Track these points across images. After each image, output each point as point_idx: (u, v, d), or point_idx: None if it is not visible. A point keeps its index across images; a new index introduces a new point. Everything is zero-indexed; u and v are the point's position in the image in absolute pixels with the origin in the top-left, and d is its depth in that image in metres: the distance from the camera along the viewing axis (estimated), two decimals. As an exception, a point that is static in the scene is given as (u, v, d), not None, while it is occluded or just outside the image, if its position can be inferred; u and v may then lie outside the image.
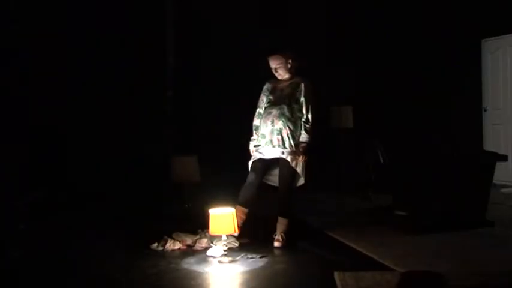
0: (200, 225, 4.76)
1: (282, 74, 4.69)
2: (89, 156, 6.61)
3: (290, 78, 4.71)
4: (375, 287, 3.41)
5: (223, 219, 4.13)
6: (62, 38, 6.68)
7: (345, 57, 7.47)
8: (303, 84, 4.64)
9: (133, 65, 6.85)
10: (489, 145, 7.31)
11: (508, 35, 7.14)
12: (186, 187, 6.12)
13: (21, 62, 6.46)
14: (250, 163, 4.69)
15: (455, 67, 7.36)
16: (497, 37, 7.30)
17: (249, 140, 4.77)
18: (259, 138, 4.66)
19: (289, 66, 4.66)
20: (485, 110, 7.53)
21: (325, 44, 7.53)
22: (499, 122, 7.35)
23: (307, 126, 4.58)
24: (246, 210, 4.59)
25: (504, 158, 5.17)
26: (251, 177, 4.65)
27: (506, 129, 7.25)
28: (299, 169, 4.55)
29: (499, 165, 5.27)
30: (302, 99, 4.60)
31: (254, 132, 4.76)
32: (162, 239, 4.55)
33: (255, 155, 4.66)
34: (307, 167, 4.59)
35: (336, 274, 3.63)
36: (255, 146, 4.69)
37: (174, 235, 4.64)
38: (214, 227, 4.14)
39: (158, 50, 7.24)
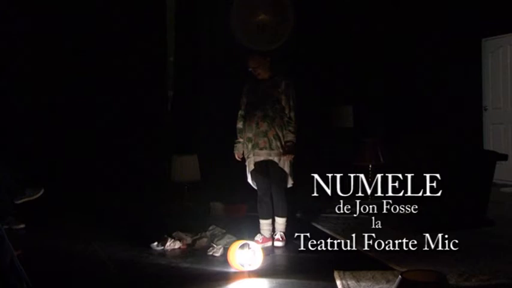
0: (200, 224, 4.74)
1: (261, 74, 4.57)
2: (88, 156, 6.60)
3: (270, 77, 4.59)
4: (375, 287, 3.42)
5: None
6: (62, 37, 6.67)
7: (345, 57, 7.45)
8: (283, 83, 4.53)
9: (134, 65, 6.84)
10: (489, 144, 7.31)
11: (508, 34, 7.13)
12: (186, 187, 6.12)
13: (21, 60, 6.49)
14: (249, 179, 4.63)
15: (455, 67, 7.35)
16: (497, 36, 7.30)
17: (234, 143, 4.68)
18: (246, 141, 4.58)
19: (268, 64, 4.55)
20: (485, 109, 7.53)
21: (325, 44, 7.52)
22: (499, 121, 7.35)
23: (291, 124, 4.50)
24: (270, 221, 4.63)
25: (504, 157, 5.17)
26: (260, 192, 4.62)
27: (506, 128, 7.24)
28: (287, 169, 4.51)
29: (500, 165, 5.27)
30: (284, 97, 4.50)
31: (238, 135, 4.66)
32: (162, 238, 4.55)
33: (249, 167, 4.58)
34: (294, 166, 4.54)
35: (336, 273, 3.63)
36: (245, 155, 4.62)
37: (174, 234, 4.64)
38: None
39: (158, 50, 7.23)
